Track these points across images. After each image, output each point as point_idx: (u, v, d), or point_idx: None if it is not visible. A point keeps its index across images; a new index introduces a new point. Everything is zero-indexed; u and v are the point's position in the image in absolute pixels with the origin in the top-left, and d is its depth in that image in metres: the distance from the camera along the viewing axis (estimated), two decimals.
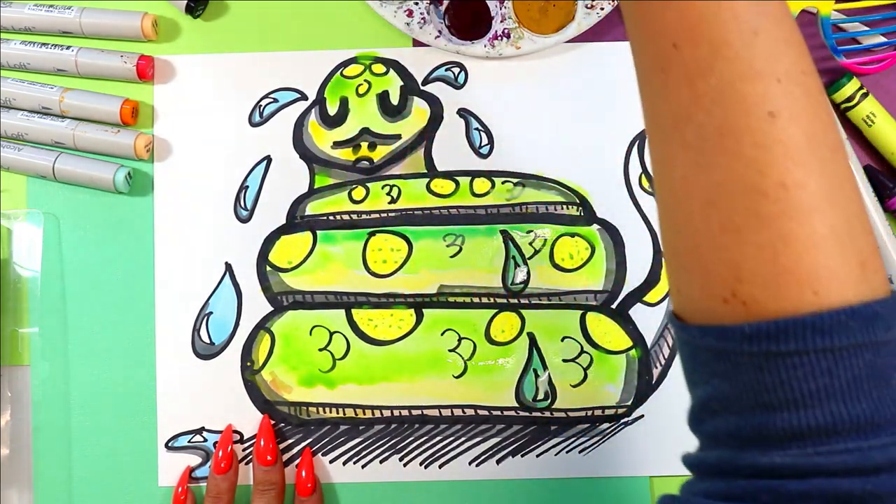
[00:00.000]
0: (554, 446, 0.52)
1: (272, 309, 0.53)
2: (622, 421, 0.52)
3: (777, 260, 0.27)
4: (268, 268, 0.53)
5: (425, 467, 0.52)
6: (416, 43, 0.53)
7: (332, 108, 0.54)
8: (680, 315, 0.31)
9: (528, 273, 0.52)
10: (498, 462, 0.52)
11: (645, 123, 0.32)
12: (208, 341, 0.53)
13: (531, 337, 0.52)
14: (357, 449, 0.52)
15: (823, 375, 0.27)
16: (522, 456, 0.52)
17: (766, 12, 0.28)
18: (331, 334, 0.52)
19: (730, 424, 0.29)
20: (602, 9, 0.51)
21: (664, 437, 0.52)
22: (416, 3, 0.52)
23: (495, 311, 0.52)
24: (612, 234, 0.52)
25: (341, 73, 0.54)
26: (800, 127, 0.28)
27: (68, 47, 0.53)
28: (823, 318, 0.26)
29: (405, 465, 0.52)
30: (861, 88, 0.51)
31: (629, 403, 0.52)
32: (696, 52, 0.28)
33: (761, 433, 0.28)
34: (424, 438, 0.52)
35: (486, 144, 0.53)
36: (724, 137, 0.28)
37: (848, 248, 0.27)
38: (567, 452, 0.52)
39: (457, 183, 0.53)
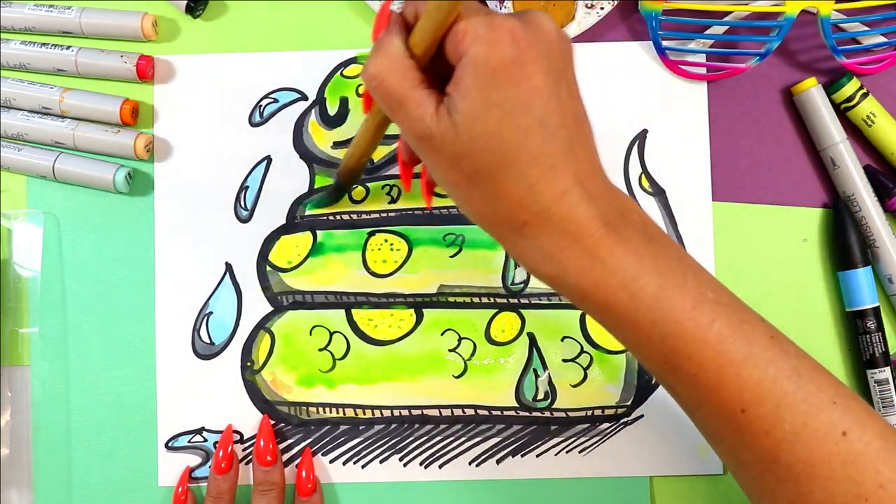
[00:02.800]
0: (554, 446, 0.52)
1: (272, 309, 0.53)
2: (622, 421, 0.52)
3: None
4: (268, 268, 0.53)
5: (425, 467, 0.52)
6: None
7: (333, 108, 0.54)
8: None
9: (529, 273, 0.52)
10: (498, 462, 0.52)
11: (727, 465, 0.38)
12: (208, 341, 0.53)
13: (531, 337, 0.52)
14: (357, 449, 0.52)
15: None
16: (522, 456, 0.52)
17: (791, 353, 0.35)
18: (331, 334, 0.53)
19: None
20: (602, 9, 0.51)
21: (664, 437, 0.52)
22: None
23: (495, 311, 0.52)
24: None
25: (341, 73, 0.54)
26: (871, 433, 0.33)
27: (68, 47, 0.53)
28: None
29: (405, 465, 0.52)
30: (861, 88, 0.51)
31: (629, 403, 0.52)
32: (763, 410, 0.34)
33: None
34: (424, 438, 0.52)
35: None
36: (815, 466, 0.33)
37: None
38: (567, 452, 0.52)
39: None
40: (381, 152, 0.53)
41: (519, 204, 0.34)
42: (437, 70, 0.36)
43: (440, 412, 0.52)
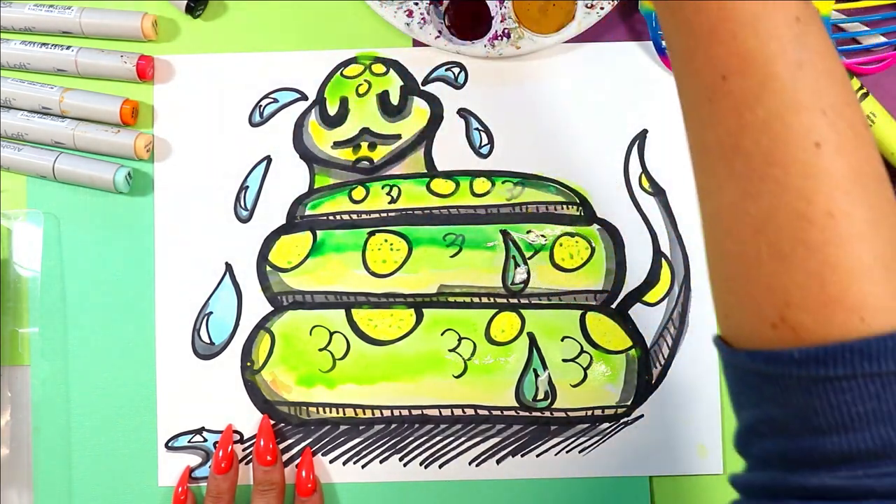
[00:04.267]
0: (554, 446, 0.52)
1: (272, 309, 0.53)
2: (622, 421, 0.52)
3: (825, 287, 0.28)
4: (268, 268, 0.53)
5: (425, 467, 0.52)
6: (416, 43, 0.53)
7: (332, 108, 0.54)
8: (727, 339, 0.32)
9: (528, 273, 0.52)
10: (498, 462, 0.52)
11: (690, 153, 0.33)
12: (208, 341, 0.53)
13: (531, 337, 0.52)
14: (357, 449, 0.52)
15: (872, 399, 0.27)
16: (522, 456, 0.52)
17: (811, 46, 0.29)
18: (331, 334, 0.53)
19: (779, 447, 0.30)
20: (602, 9, 0.51)
21: (664, 437, 0.52)
22: (416, 3, 0.52)
23: (495, 310, 0.52)
24: (612, 234, 0.52)
25: (341, 73, 0.54)
26: (845, 158, 0.29)
27: (68, 47, 0.53)
28: (871, 343, 0.27)
29: (405, 465, 0.52)
30: (861, 88, 0.51)
31: (629, 403, 0.52)
32: (744, 84, 0.29)
33: (811, 455, 0.28)
34: (424, 438, 0.52)
35: (486, 144, 0.53)
36: (772, 167, 0.29)
37: (893, 276, 0.28)
38: (567, 452, 0.52)
39: (457, 183, 0.53)
40: (381, 152, 0.53)
41: None
42: None
43: (440, 412, 0.52)
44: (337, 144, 0.53)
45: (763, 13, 0.29)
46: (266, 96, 0.54)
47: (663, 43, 0.51)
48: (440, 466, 0.52)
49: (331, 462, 0.52)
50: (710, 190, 0.32)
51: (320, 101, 0.54)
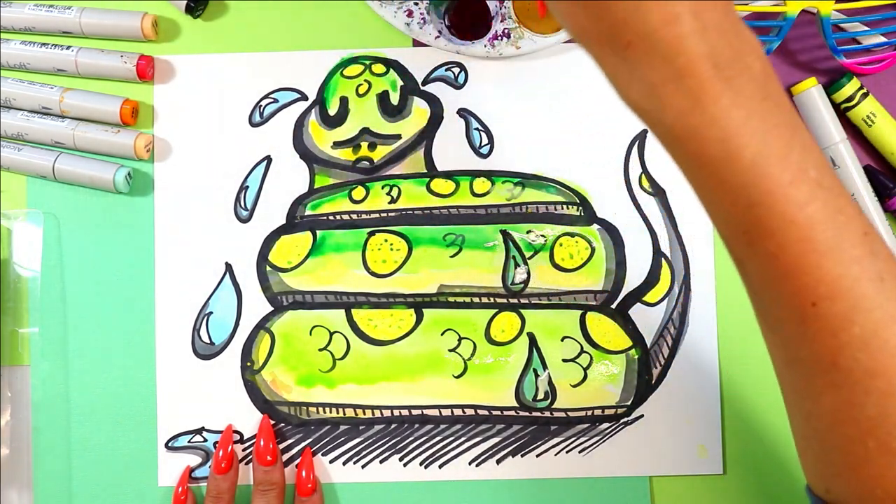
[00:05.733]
0: (554, 446, 0.52)
1: (272, 309, 0.53)
2: (622, 421, 0.52)
3: None
4: (268, 268, 0.53)
5: (425, 467, 0.52)
6: (416, 43, 0.53)
7: (332, 108, 0.54)
8: (823, 498, 0.35)
9: (528, 273, 0.52)
10: (498, 462, 0.52)
11: (775, 361, 0.35)
12: (208, 341, 0.53)
13: (531, 337, 0.52)
14: (357, 449, 0.52)
15: None
16: (522, 456, 0.52)
17: (881, 257, 0.31)
18: (331, 334, 0.53)
19: None
20: None
21: (664, 437, 0.52)
22: (416, 3, 0.52)
23: (495, 311, 0.52)
24: (612, 234, 0.52)
25: (341, 73, 0.54)
26: None
27: (68, 47, 0.53)
28: None
29: (405, 465, 0.52)
30: (861, 88, 0.51)
31: (629, 403, 0.52)
32: (835, 308, 0.31)
33: None
34: (424, 438, 0.52)
35: (486, 144, 0.53)
36: (875, 379, 0.31)
37: None
38: (567, 452, 0.52)
39: (457, 183, 0.53)
40: (381, 152, 0.53)
41: (624, 22, 0.30)
42: None
43: (440, 412, 0.52)
44: (337, 144, 0.53)
45: (841, 238, 0.31)
46: (266, 96, 0.54)
47: None
48: (440, 466, 0.52)
49: (331, 462, 0.52)
50: (805, 396, 0.33)
51: (320, 101, 0.54)
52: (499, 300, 0.52)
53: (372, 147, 0.53)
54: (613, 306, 0.52)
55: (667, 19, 0.30)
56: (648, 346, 0.52)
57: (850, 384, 0.31)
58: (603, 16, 0.31)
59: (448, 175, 0.53)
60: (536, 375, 0.52)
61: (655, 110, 0.32)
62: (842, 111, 0.51)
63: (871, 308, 0.31)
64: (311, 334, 0.53)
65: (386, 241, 0.53)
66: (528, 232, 0.53)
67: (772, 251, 0.31)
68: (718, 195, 0.32)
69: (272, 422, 0.52)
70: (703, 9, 0.30)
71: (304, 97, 0.54)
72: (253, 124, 0.54)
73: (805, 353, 0.32)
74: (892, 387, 0.30)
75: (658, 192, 0.53)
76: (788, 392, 0.35)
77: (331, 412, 0.52)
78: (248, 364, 0.53)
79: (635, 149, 0.53)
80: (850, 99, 0.51)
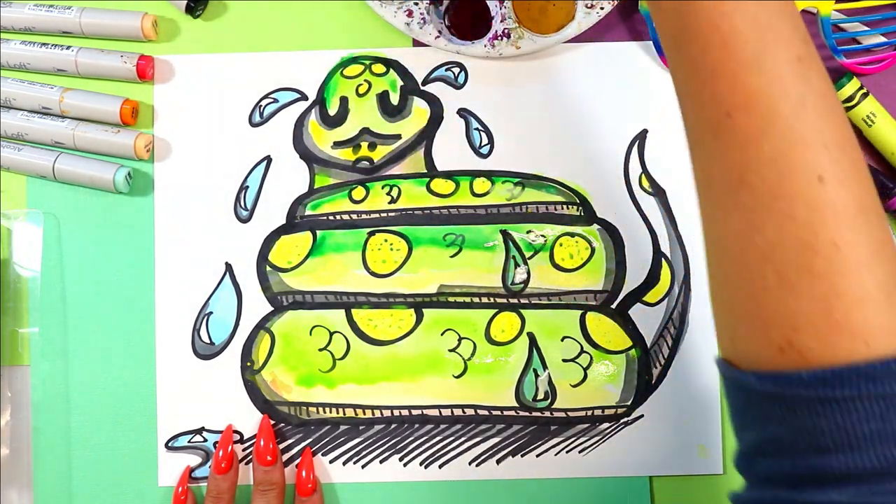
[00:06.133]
0: (554, 446, 0.52)
1: (272, 309, 0.53)
2: (622, 421, 0.52)
3: (831, 313, 0.29)
4: (268, 268, 0.53)
5: (425, 467, 0.52)
6: (416, 43, 0.53)
7: (332, 108, 0.54)
8: (731, 361, 0.33)
9: (528, 273, 0.52)
10: (498, 462, 0.52)
11: (695, 182, 0.34)
12: (208, 341, 0.53)
13: (531, 337, 0.52)
14: (357, 449, 0.52)
15: (876, 420, 0.29)
16: (522, 456, 0.52)
17: (813, 85, 0.31)
18: (331, 334, 0.53)
19: (785, 466, 0.31)
20: (602, 9, 0.51)
21: (664, 437, 0.52)
22: (416, 3, 0.52)
23: (495, 311, 0.52)
24: (612, 234, 0.52)
25: (341, 73, 0.54)
26: (847, 191, 0.30)
27: (68, 47, 0.53)
28: (876, 367, 0.29)
29: (405, 465, 0.52)
30: (861, 88, 0.51)
31: (629, 403, 0.52)
32: (749, 121, 0.31)
33: (818, 474, 0.30)
34: (424, 438, 0.52)
35: (486, 144, 0.53)
36: (778, 200, 0.30)
37: (895, 303, 0.30)
38: (567, 452, 0.52)
39: (457, 183, 0.53)
40: (381, 152, 0.53)
41: None
42: None
43: (440, 412, 0.52)
44: (337, 144, 0.53)
45: (766, 53, 0.31)
46: (266, 96, 0.54)
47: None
48: (440, 466, 0.52)
49: (331, 462, 0.52)
50: (715, 219, 0.33)
51: (320, 101, 0.54)
52: (499, 300, 0.52)
53: (372, 147, 0.53)
54: (613, 306, 0.52)
55: None
56: (648, 346, 0.52)
57: (754, 204, 0.31)
58: None
59: (448, 175, 0.53)
60: (536, 375, 0.52)
61: None
62: None
63: (784, 128, 0.30)
64: (311, 334, 0.53)
65: (386, 241, 0.53)
66: (528, 232, 0.53)
67: (693, 56, 0.32)
68: (655, 4, 0.33)
69: (272, 422, 0.52)
70: None
71: (304, 97, 0.54)
72: (253, 124, 0.54)
73: (716, 170, 0.32)
74: (793, 209, 0.30)
75: (658, 192, 0.53)
76: (704, 223, 0.34)
77: (331, 412, 0.52)
78: (248, 364, 0.53)
79: (635, 149, 0.53)
80: (850, 99, 0.51)
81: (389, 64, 0.54)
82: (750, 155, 0.31)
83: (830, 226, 0.30)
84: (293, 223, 0.53)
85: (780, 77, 0.30)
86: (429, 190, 0.53)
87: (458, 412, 0.52)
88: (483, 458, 0.52)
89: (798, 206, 0.30)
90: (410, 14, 0.52)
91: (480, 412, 0.52)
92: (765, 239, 0.30)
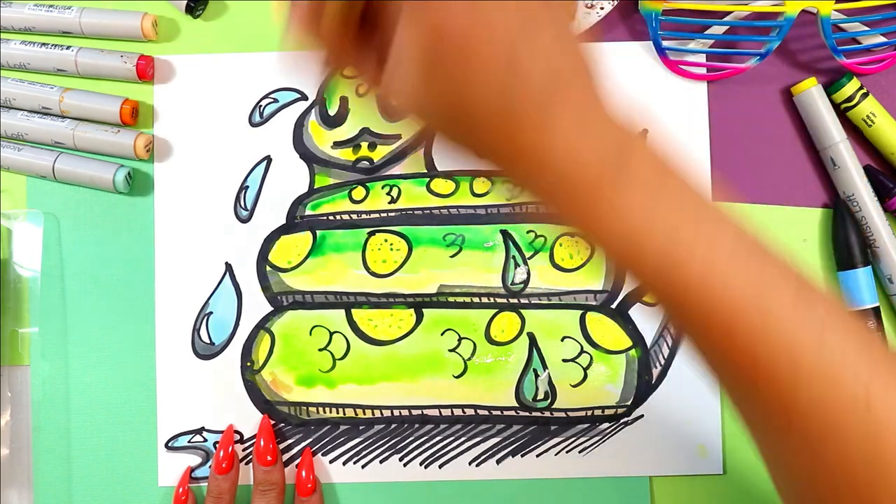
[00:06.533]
0: (554, 446, 0.52)
1: (272, 309, 0.53)
2: (622, 421, 0.52)
3: None
4: (268, 268, 0.53)
5: (425, 467, 0.52)
6: None
7: (332, 108, 0.54)
8: None
9: (528, 273, 0.52)
10: (498, 462, 0.52)
11: (746, 432, 0.33)
12: (208, 341, 0.53)
13: (531, 337, 0.52)
14: (357, 449, 0.52)
15: None
16: (522, 456, 0.52)
17: (822, 313, 0.30)
18: (331, 334, 0.52)
19: None
20: (602, 9, 0.51)
21: (664, 437, 0.51)
22: None
23: (495, 311, 0.52)
24: None
25: (341, 73, 0.54)
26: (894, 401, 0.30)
27: (68, 47, 0.53)
28: None
29: (405, 465, 0.52)
30: (861, 88, 0.51)
31: (629, 403, 0.52)
32: (776, 380, 0.30)
33: None
34: (424, 438, 0.52)
35: None
36: (830, 435, 0.30)
37: None
38: (567, 452, 0.52)
39: (457, 183, 0.53)
40: (381, 152, 0.53)
41: (494, 147, 0.30)
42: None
43: (440, 412, 0.52)
44: (337, 144, 0.53)
45: (772, 307, 0.30)
46: (266, 96, 0.54)
47: (663, 43, 0.51)
48: (440, 466, 0.52)
49: (331, 462, 0.52)
50: (777, 464, 0.33)
51: (320, 101, 0.54)
52: (499, 300, 0.52)
53: (372, 147, 0.53)
54: (613, 306, 0.52)
55: (534, 142, 0.29)
56: (648, 346, 0.52)
57: (810, 444, 0.30)
58: (476, 143, 0.31)
59: (448, 175, 0.53)
60: (536, 375, 0.52)
61: (555, 214, 0.31)
62: (842, 111, 0.51)
63: (814, 375, 0.29)
64: (311, 334, 0.53)
65: (386, 241, 0.53)
66: (528, 232, 0.53)
67: (705, 334, 0.31)
68: (643, 284, 0.31)
69: (272, 422, 0.52)
70: (577, 102, 0.30)
71: (304, 97, 0.54)
72: (253, 124, 0.54)
73: (763, 424, 0.32)
74: (848, 441, 0.30)
75: None
76: (768, 465, 0.34)
77: (331, 412, 0.52)
78: (249, 364, 0.53)
79: None
80: (850, 99, 0.51)
81: None
82: (792, 407, 0.30)
83: (891, 441, 0.29)
84: (293, 223, 0.53)
85: (793, 326, 0.30)
86: (429, 190, 0.53)
87: (458, 412, 0.52)
88: (483, 458, 0.52)
89: (853, 436, 0.30)
90: None
91: (480, 412, 0.52)
92: (830, 463, 0.30)
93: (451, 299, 0.52)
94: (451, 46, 0.27)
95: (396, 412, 0.52)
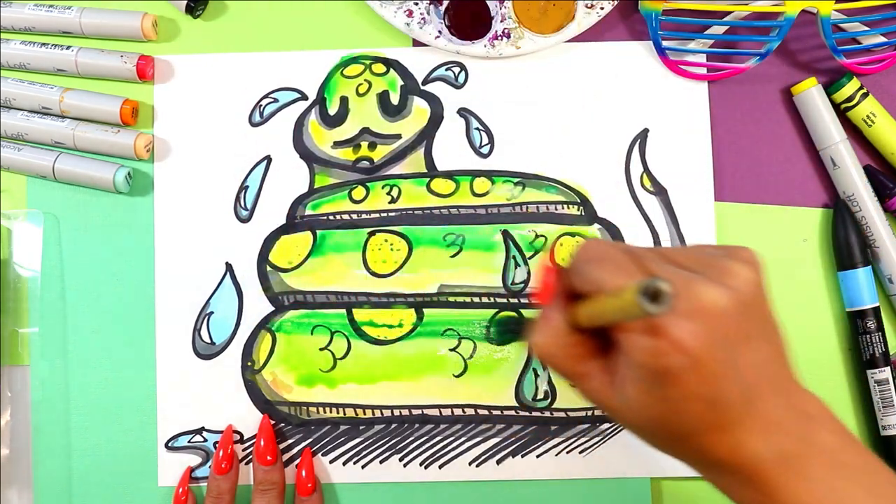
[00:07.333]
0: (554, 446, 0.52)
1: (273, 309, 0.53)
2: None
3: None
4: (268, 268, 0.53)
5: (425, 467, 0.52)
6: (416, 43, 0.53)
7: (332, 108, 0.54)
8: None
9: (529, 273, 0.52)
10: (498, 462, 0.52)
11: None
12: (209, 341, 0.53)
13: None
14: (357, 449, 0.52)
15: None
16: (522, 456, 0.52)
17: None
18: (331, 334, 0.52)
19: None
20: (602, 9, 0.51)
21: None
22: (416, 3, 0.52)
23: (495, 311, 0.52)
24: (613, 233, 0.52)
25: (341, 73, 0.54)
26: None
27: (68, 47, 0.53)
28: None
29: (405, 465, 0.52)
30: (861, 88, 0.51)
31: None
32: None
33: None
34: (424, 438, 0.52)
35: (486, 144, 0.53)
36: None
37: None
38: (567, 453, 0.52)
39: (457, 183, 0.53)
40: (381, 152, 0.53)
41: (698, 459, 0.34)
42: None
43: (440, 412, 0.52)
44: (337, 144, 0.53)
45: None
46: (266, 96, 0.54)
47: (663, 43, 0.51)
48: (440, 467, 0.52)
49: (331, 462, 0.52)
50: None
51: (320, 101, 0.54)
52: (499, 300, 0.52)
53: (372, 147, 0.53)
54: None
55: (731, 449, 0.32)
56: None
57: None
58: (680, 454, 0.35)
59: (448, 175, 0.53)
60: (536, 375, 0.52)
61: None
62: (842, 111, 0.51)
63: None
64: (311, 334, 0.53)
65: (386, 241, 0.53)
66: (529, 232, 0.53)
67: None
68: None
69: (272, 422, 0.52)
70: (766, 410, 0.32)
71: (304, 97, 0.54)
72: (253, 124, 0.54)
73: None
74: None
75: (659, 192, 0.53)
76: None
77: (331, 412, 0.52)
78: (249, 364, 0.53)
79: (636, 148, 0.53)
80: (850, 99, 0.51)
81: (389, 64, 0.54)
82: None
83: None
84: (293, 223, 0.53)
85: None
86: (429, 190, 0.53)
87: (458, 412, 0.52)
88: (483, 458, 0.52)
89: None
90: (410, 14, 0.52)
91: (480, 412, 0.52)
92: None
93: (451, 299, 0.52)
94: (686, 385, 0.31)
95: (397, 412, 0.52)
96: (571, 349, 0.34)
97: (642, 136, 0.53)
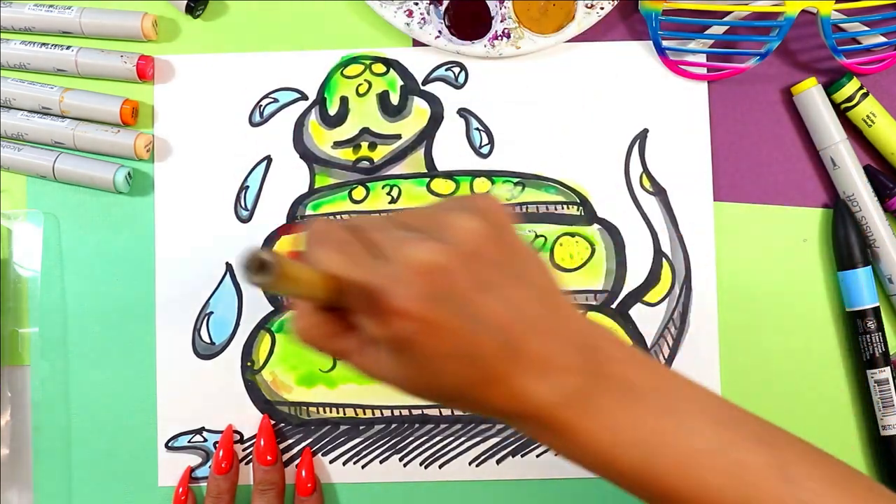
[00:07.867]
0: None
1: (273, 309, 0.53)
2: None
3: None
4: None
5: (425, 467, 0.52)
6: (416, 43, 0.53)
7: (333, 108, 0.54)
8: None
9: None
10: (498, 462, 0.52)
11: None
12: (209, 341, 0.53)
13: None
14: (357, 449, 0.52)
15: None
16: (522, 456, 0.52)
17: (806, 487, 0.33)
18: None
19: None
20: (602, 9, 0.51)
21: None
22: (416, 3, 0.52)
23: None
24: (613, 233, 0.52)
25: (341, 73, 0.54)
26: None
27: (68, 47, 0.53)
28: None
29: (405, 465, 0.52)
30: (861, 88, 0.51)
31: None
32: None
33: None
34: (424, 438, 0.52)
35: (486, 144, 0.53)
36: None
37: None
38: None
39: (457, 183, 0.53)
40: (381, 152, 0.53)
41: (478, 406, 0.33)
42: None
43: (440, 412, 0.52)
44: (337, 144, 0.53)
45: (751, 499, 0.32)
46: (266, 96, 0.54)
47: (663, 43, 0.51)
48: (440, 466, 0.52)
49: (331, 462, 0.52)
50: None
51: (320, 101, 0.54)
52: None
53: (372, 147, 0.53)
54: (614, 306, 0.52)
55: (512, 397, 0.31)
56: (649, 346, 0.52)
57: None
58: (473, 411, 0.34)
59: (448, 175, 0.53)
60: None
61: (551, 447, 0.34)
62: (842, 111, 0.51)
63: None
64: None
65: None
66: (529, 232, 0.53)
67: None
68: (621, 488, 0.34)
69: (272, 422, 0.52)
70: (537, 352, 0.31)
71: (305, 97, 0.54)
72: (253, 124, 0.54)
73: None
74: None
75: (659, 192, 0.53)
76: None
77: (331, 412, 0.52)
78: (249, 364, 0.53)
79: (636, 148, 0.53)
80: (850, 99, 0.51)
81: (389, 64, 0.54)
82: None
83: None
84: (293, 223, 0.53)
85: None
86: (429, 190, 0.53)
87: (458, 412, 0.52)
88: (483, 458, 0.52)
89: None
90: (410, 14, 0.52)
91: None
92: None
93: None
94: (422, 351, 0.30)
95: (397, 412, 0.52)
96: (325, 328, 0.33)
97: (642, 137, 0.53)
